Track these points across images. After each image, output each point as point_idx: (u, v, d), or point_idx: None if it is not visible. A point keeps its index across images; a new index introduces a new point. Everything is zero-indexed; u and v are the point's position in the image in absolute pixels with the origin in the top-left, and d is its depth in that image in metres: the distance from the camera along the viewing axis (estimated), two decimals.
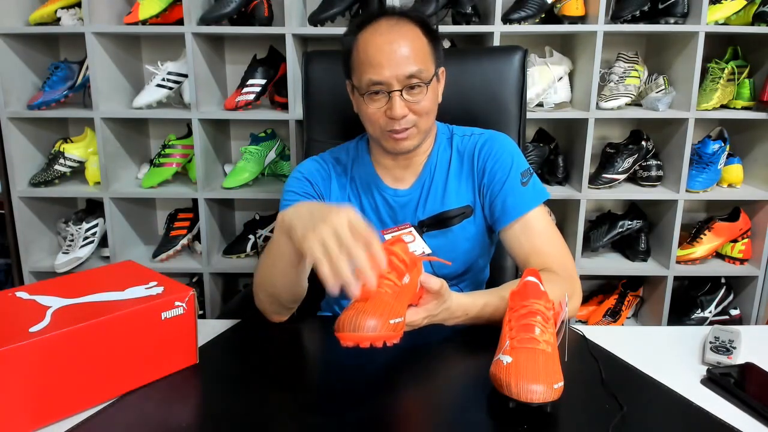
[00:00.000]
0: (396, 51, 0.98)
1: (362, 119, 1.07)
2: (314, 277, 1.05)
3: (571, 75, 2.06)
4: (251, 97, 1.98)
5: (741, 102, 2.02)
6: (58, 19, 1.94)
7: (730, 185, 2.10)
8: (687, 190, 1.99)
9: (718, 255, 2.15)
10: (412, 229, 0.98)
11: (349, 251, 0.71)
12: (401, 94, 0.99)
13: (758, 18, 1.88)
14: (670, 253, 2.03)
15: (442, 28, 1.07)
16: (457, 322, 0.92)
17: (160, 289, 0.82)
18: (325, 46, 2.16)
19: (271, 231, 2.17)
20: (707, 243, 2.08)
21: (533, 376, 0.69)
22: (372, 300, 0.73)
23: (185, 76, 2.01)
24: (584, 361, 0.85)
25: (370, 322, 0.70)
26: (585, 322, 2.19)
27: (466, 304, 0.91)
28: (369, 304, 0.73)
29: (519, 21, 1.88)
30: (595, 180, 2.02)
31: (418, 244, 0.92)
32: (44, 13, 1.93)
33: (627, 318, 2.20)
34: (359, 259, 0.71)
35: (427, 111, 1.03)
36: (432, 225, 1.10)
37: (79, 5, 1.92)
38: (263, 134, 2.10)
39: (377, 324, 0.70)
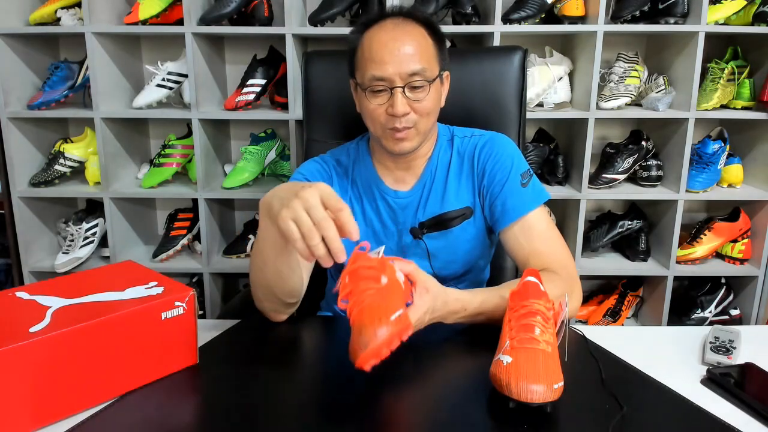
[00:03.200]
0: (400, 48, 0.99)
1: (364, 117, 1.07)
2: (314, 277, 1.06)
3: (571, 75, 2.06)
4: (251, 97, 1.98)
5: (741, 102, 2.02)
6: (58, 19, 1.94)
7: (730, 185, 2.10)
8: (687, 190, 1.99)
9: (718, 255, 2.15)
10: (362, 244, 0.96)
11: (320, 224, 0.74)
12: (403, 91, 1.00)
13: (758, 18, 1.88)
14: (670, 253, 2.03)
15: (442, 28, 1.07)
16: (457, 318, 0.92)
17: (160, 289, 0.82)
18: (325, 46, 2.16)
19: None
20: (707, 243, 2.08)
21: (533, 376, 0.69)
22: (364, 312, 0.74)
23: (185, 76, 2.01)
24: (584, 361, 0.85)
25: (378, 331, 0.70)
26: (585, 322, 2.19)
27: (464, 298, 0.91)
28: (364, 317, 0.73)
29: (519, 21, 1.88)
30: (595, 180, 2.02)
31: (372, 250, 0.92)
32: (44, 13, 1.93)
33: (627, 318, 2.21)
34: (330, 231, 0.74)
35: (428, 111, 1.03)
36: (432, 226, 1.10)
37: (79, 5, 1.93)
38: (263, 134, 2.10)
39: (383, 329, 0.71)
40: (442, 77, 1.07)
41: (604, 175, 2.02)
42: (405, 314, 0.75)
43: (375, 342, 0.70)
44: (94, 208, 2.16)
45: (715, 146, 2.01)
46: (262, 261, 0.92)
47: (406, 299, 0.84)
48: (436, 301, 0.87)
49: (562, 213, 2.18)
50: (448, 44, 1.14)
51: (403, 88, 0.99)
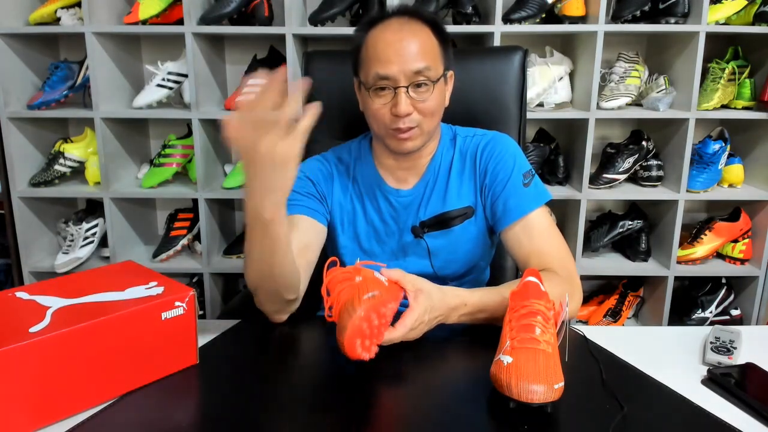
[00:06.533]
0: (405, 47, 0.98)
1: (367, 116, 1.07)
2: (313, 277, 1.05)
3: (571, 75, 2.06)
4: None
5: (742, 102, 2.02)
6: (58, 19, 1.94)
7: (730, 185, 2.10)
8: (687, 190, 1.99)
9: (719, 255, 2.15)
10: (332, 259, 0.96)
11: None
12: (407, 91, 0.99)
13: (759, 18, 1.88)
14: (671, 253, 2.03)
15: None
16: (459, 316, 0.91)
17: (160, 290, 0.82)
18: (326, 46, 2.16)
19: None
20: (708, 243, 2.08)
21: (533, 377, 0.69)
22: (341, 307, 0.77)
23: (185, 76, 2.01)
24: (585, 361, 0.85)
25: (353, 312, 0.74)
26: (585, 323, 2.19)
27: (462, 294, 0.91)
28: (341, 310, 0.77)
29: (519, 21, 1.88)
30: (595, 180, 2.02)
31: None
32: (44, 13, 1.93)
33: (627, 318, 2.20)
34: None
35: (432, 112, 1.03)
36: (433, 225, 1.10)
37: (79, 5, 1.92)
38: None
39: (357, 309, 0.75)
40: (446, 77, 1.06)
41: (604, 175, 2.02)
42: (380, 294, 0.78)
43: (352, 322, 0.73)
44: (94, 208, 2.16)
45: (715, 146, 2.01)
46: (258, 263, 0.90)
47: (395, 297, 0.85)
48: (433, 298, 0.87)
49: (562, 213, 2.17)
50: None
51: (407, 87, 0.99)
